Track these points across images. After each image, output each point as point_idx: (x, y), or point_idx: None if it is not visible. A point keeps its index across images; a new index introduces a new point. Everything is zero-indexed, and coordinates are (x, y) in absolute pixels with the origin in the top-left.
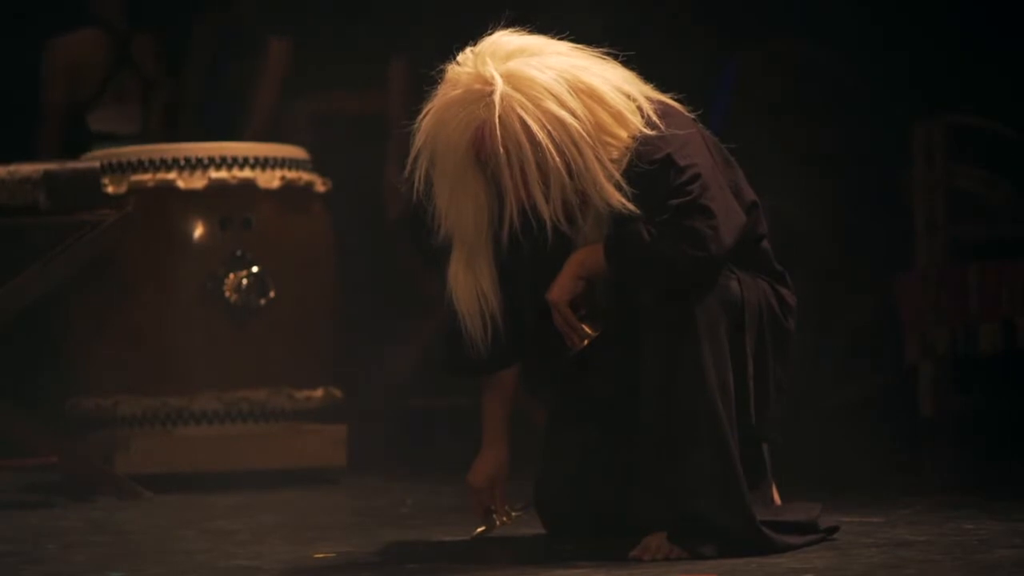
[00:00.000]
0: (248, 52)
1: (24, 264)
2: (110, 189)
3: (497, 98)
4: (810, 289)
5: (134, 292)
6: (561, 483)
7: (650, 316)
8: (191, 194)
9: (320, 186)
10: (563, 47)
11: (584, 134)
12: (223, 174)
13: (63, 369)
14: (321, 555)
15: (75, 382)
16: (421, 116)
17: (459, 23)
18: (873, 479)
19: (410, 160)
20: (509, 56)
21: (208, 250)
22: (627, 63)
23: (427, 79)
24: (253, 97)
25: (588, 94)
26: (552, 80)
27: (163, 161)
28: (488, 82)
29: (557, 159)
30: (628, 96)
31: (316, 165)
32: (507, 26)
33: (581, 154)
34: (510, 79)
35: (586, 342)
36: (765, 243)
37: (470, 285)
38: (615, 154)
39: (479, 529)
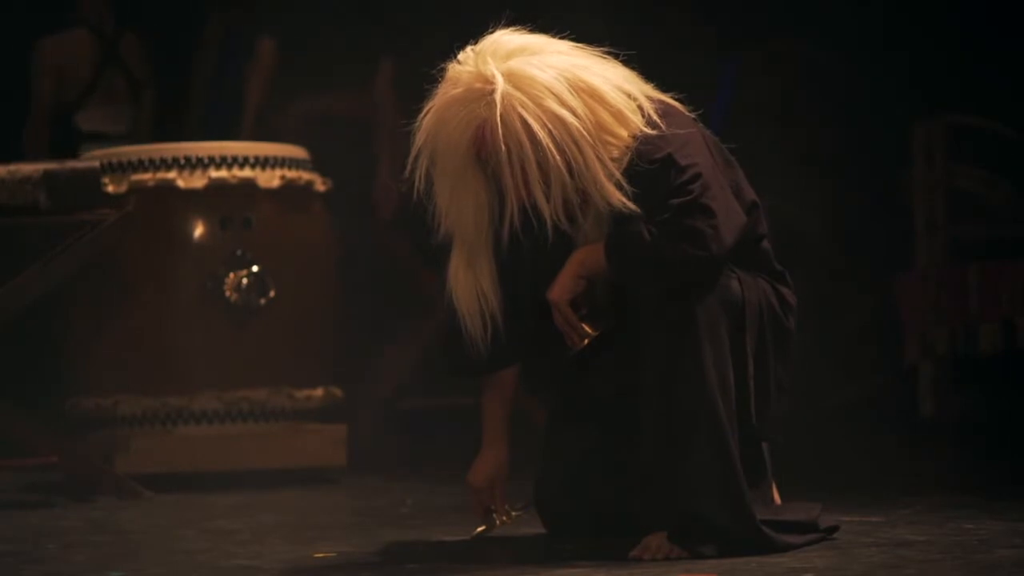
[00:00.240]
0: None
1: (24, 264)
2: (110, 189)
3: (498, 97)
4: (810, 289)
5: (134, 292)
6: (561, 483)
7: (650, 316)
8: (191, 194)
9: (320, 185)
10: (564, 46)
11: (585, 133)
12: (223, 173)
13: (63, 369)
14: (321, 555)
15: (75, 382)
16: (422, 115)
17: (459, 23)
18: (873, 479)
19: (410, 159)
20: (510, 55)
21: (208, 250)
22: (627, 63)
23: (418, 79)
24: (244, 97)
25: (589, 93)
26: (553, 79)
27: (163, 160)
28: (489, 81)
29: (558, 158)
30: (629, 95)
31: (316, 165)
32: (508, 25)
33: (582, 153)
34: (511, 78)
35: (586, 342)
36: (765, 243)
37: (470, 284)
38: (615, 153)
39: (479, 529)
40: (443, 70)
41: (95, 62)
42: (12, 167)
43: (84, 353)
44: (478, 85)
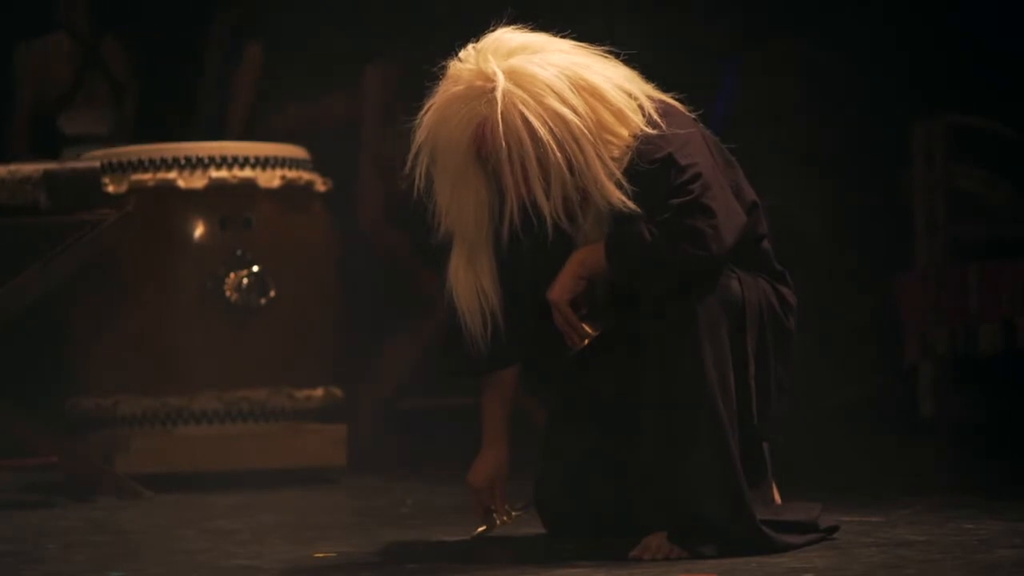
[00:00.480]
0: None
1: (24, 264)
2: (110, 189)
3: (499, 94)
4: (810, 289)
5: (134, 292)
6: (561, 483)
7: (650, 316)
8: (191, 194)
9: (320, 186)
10: (565, 45)
11: (585, 131)
12: (223, 173)
13: (63, 369)
14: (321, 555)
15: (75, 382)
16: (422, 112)
17: (459, 22)
18: (873, 479)
19: (411, 156)
20: (511, 53)
21: (208, 250)
22: (628, 62)
23: (414, 78)
24: (232, 100)
25: (590, 92)
26: (554, 77)
27: (163, 160)
28: (490, 78)
29: (558, 155)
30: (629, 94)
31: (316, 165)
32: (509, 24)
33: (582, 151)
34: (512, 76)
35: (586, 342)
36: (765, 243)
37: (470, 282)
38: (616, 152)
39: (479, 529)
40: (444, 68)
41: (76, 66)
42: (12, 167)
43: (84, 353)
44: (479, 83)
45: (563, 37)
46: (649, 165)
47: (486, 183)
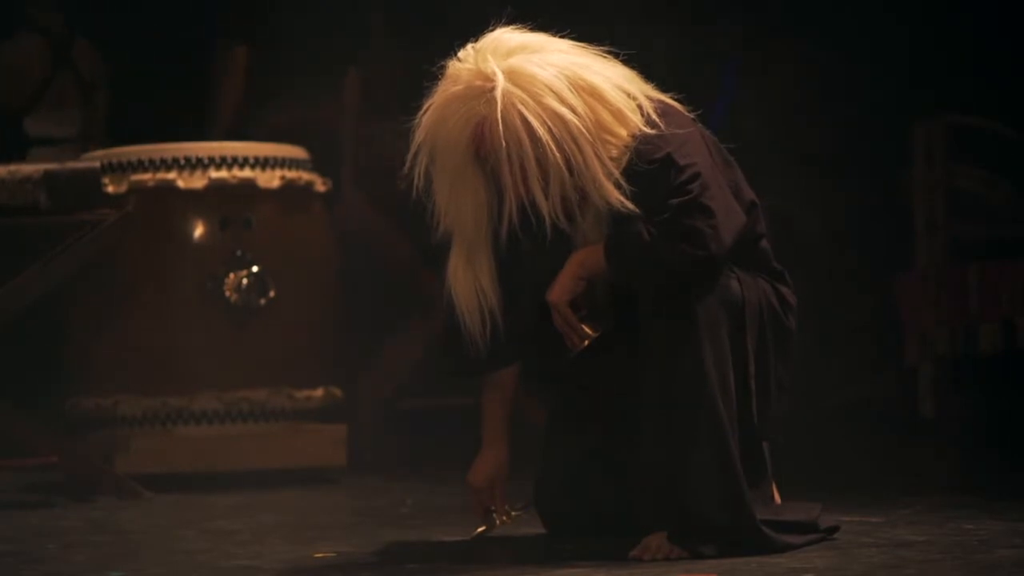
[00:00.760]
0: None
1: (24, 264)
2: (110, 189)
3: (498, 94)
4: (810, 289)
5: (134, 292)
6: (561, 483)
7: (650, 316)
8: (191, 194)
9: (320, 186)
10: (564, 44)
11: (584, 131)
12: (223, 174)
13: (63, 369)
14: (321, 555)
15: (75, 382)
16: (421, 112)
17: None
18: (873, 479)
19: (410, 156)
20: (510, 53)
21: (208, 250)
22: (627, 62)
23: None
24: (217, 103)
25: (589, 91)
26: (553, 77)
27: (163, 161)
28: (489, 78)
29: (557, 155)
30: (628, 94)
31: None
32: (508, 24)
33: (581, 151)
34: (511, 75)
35: (586, 342)
36: (764, 242)
37: (469, 281)
38: (615, 152)
39: (479, 529)
40: (443, 68)
41: (46, 67)
42: (12, 167)
43: (84, 353)
44: (478, 82)
45: (562, 37)
46: (648, 165)
47: (485, 183)
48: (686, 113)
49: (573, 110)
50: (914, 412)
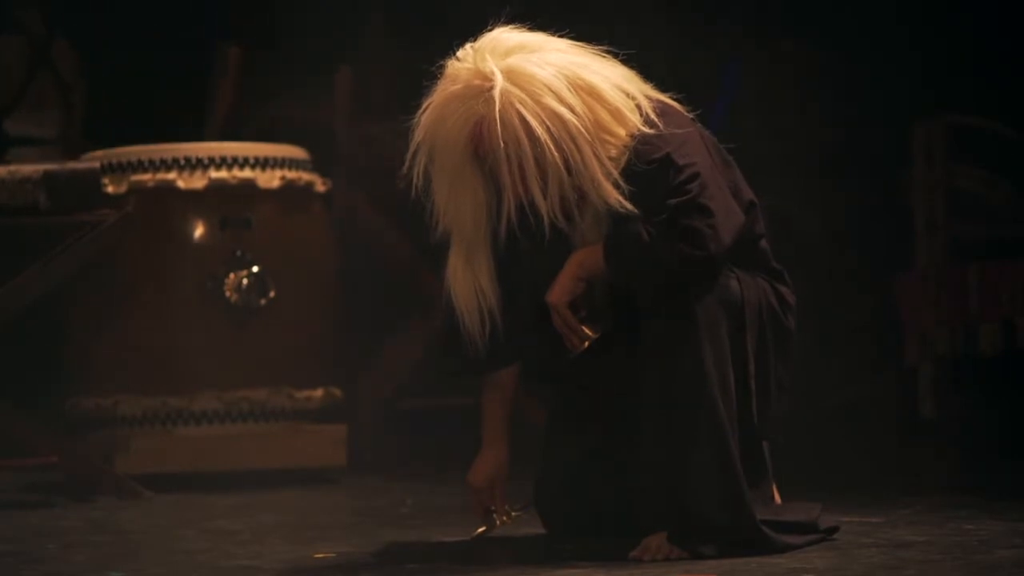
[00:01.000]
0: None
1: (24, 264)
2: (110, 189)
3: (496, 93)
4: (810, 289)
5: (134, 292)
6: (561, 483)
7: (650, 316)
8: (191, 194)
9: (320, 186)
10: (563, 44)
11: (583, 130)
12: (223, 174)
13: (63, 369)
14: (321, 555)
15: (75, 382)
16: (420, 111)
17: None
18: (873, 479)
19: (408, 156)
20: (509, 52)
21: (208, 250)
22: (627, 62)
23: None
24: (213, 102)
25: (587, 91)
26: (551, 76)
27: (163, 161)
28: (488, 78)
29: (555, 154)
30: (627, 94)
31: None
32: (507, 23)
33: (579, 150)
34: (510, 75)
35: (586, 344)
36: (763, 242)
37: (468, 281)
38: (613, 152)
39: (479, 529)
40: (442, 67)
41: (25, 67)
42: (12, 167)
43: (84, 353)
44: (477, 82)
45: (561, 36)
46: (647, 166)
47: (484, 182)
48: (685, 113)
49: (572, 109)
50: (914, 412)
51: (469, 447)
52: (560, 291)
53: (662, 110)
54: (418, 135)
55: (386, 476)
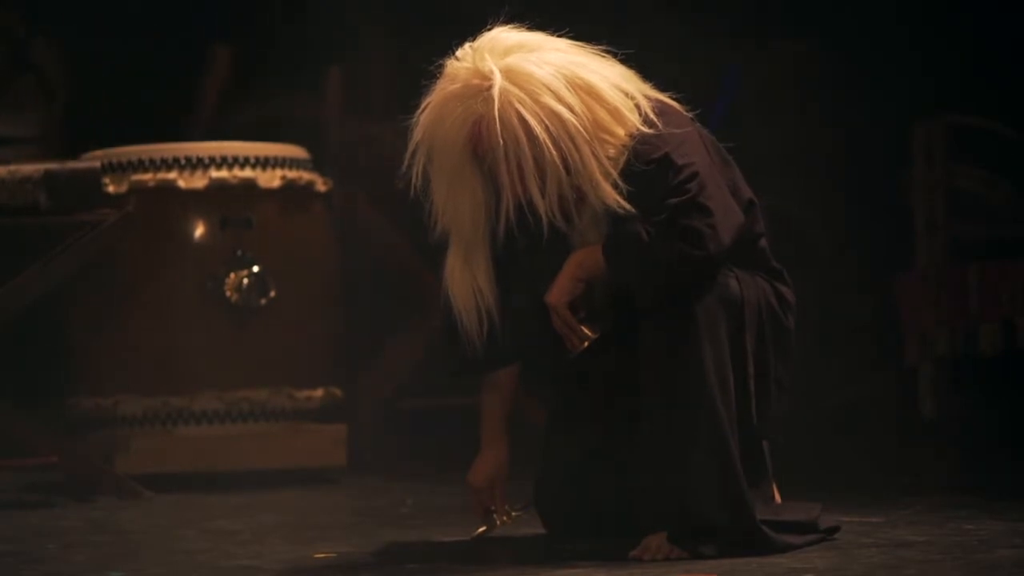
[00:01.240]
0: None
1: (24, 264)
2: (110, 189)
3: (495, 93)
4: (810, 289)
5: (134, 292)
6: (561, 483)
7: (650, 316)
8: (191, 194)
9: (321, 186)
10: (562, 44)
11: (581, 130)
12: (224, 173)
13: (63, 369)
14: (321, 555)
15: (75, 382)
16: (419, 111)
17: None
18: (873, 479)
19: (407, 155)
20: (508, 52)
21: (208, 250)
22: (626, 61)
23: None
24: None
25: (586, 91)
26: (550, 76)
27: (164, 160)
28: (486, 77)
29: (554, 153)
30: (626, 94)
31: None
32: (506, 23)
33: (578, 150)
34: (508, 74)
35: (586, 344)
36: (763, 241)
37: (467, 281)
38: (612, 151)
39: (479, 529)
40: (441, 66)
41: (4, 67)
42: (12, 167)
43: (84, 353)
44: (475, 81)
45: (560, 36)
46: (646, 165)
47: (482, 182)
48: (684, 112)
49: (570, 109)
50: (914, 412)
51: (469, 447)
52: (559, 292)
53: (661, 109)
54: (417, 134)
55: (386, 476)
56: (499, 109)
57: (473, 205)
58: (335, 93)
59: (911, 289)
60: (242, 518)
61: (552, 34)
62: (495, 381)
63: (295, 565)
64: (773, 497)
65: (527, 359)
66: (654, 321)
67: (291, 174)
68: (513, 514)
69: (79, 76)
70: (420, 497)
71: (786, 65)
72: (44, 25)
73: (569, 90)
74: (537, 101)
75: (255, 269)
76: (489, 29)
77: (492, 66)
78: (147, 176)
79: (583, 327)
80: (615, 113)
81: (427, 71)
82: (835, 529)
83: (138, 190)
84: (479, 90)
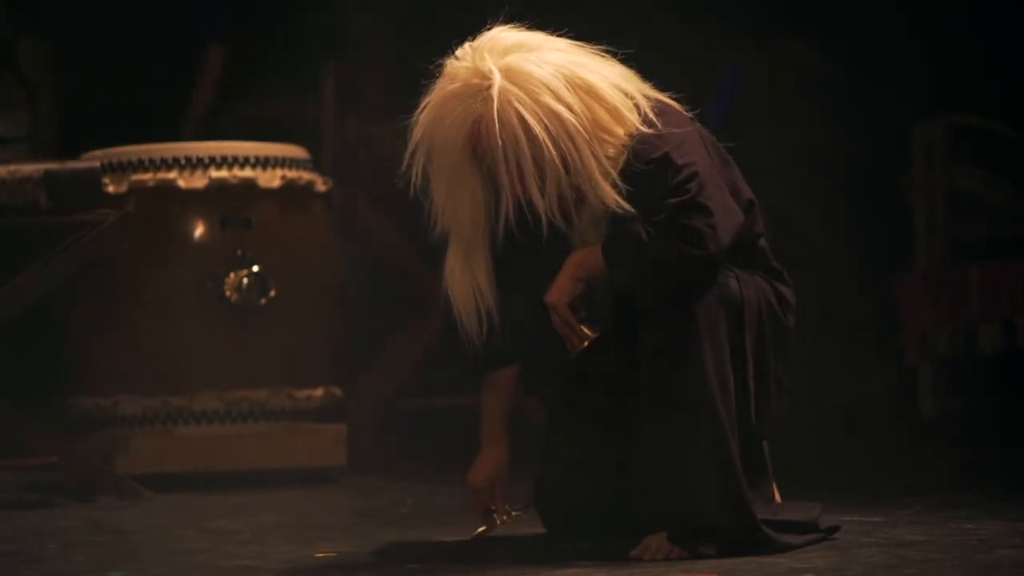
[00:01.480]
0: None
1: (24, 264)
2: (110, 189)
3: (495, 92)
4: (810, 289)
5: (134, 292)
6: (561, 483)
7: (650, 316)
8: (191, 193)
9: (320, 185)
10: (562, 43)
11: (581, 129)
12: (223, 173)
13: (63, 369)
14: (321, 555)
15: (75, 382)
16: (418, 110)
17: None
18: (873, 479)
19: (407, 155)
20: (507, 51)
21: (208, 250)
22: (626, 61)
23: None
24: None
25: (585, 90)
26: (550, 75)
27: (163, 160)
28: (486, 76)
29: (554, 153)
30: (626, 93)
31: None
32: (506, 22)
33: (577, 149)
34: (508, 74)
35: (586, 344)
36: (762, 241)
37: (466, 281)
38: (611, 151)
39: (479, 529)
40: (441, 66)
41: None
42: (12, 167)
43: (84, 353)
44: (475, 81)
45: (560, 36)
46: (645, 165)
47: (482, 182)
48: (684, 112)
49: (570, 108)
50: (914, 412)
51: (469, 447)
52: (559, 292)
53: (660, 109)
54: (416, 134)
55: (386, 476)
56: (499, 109)
57: (473, 205)
58: (334, 93)
59: (911, 289)
60: (242, 518)
61: (552, 34)
62: (495, 381)
63: (295, 565)
64: (773, 497)
65: (527, 359)
66: (654, 321)
67: (291, 174)
68: (513, 514)
69: (79, 76)
70: (420, 497)
71: (786, 65)
72: (36, 26)
73: (569, 90)
74: (536, 101)
75: (255, 269)
76: (489, 29)
77: (492, 65)
78: (147, 176)
79: (583, 327)
80: (615, 113)
81: (427, 71)
82: (835, 529)
83: (138, 190)
84: (479, 89)
